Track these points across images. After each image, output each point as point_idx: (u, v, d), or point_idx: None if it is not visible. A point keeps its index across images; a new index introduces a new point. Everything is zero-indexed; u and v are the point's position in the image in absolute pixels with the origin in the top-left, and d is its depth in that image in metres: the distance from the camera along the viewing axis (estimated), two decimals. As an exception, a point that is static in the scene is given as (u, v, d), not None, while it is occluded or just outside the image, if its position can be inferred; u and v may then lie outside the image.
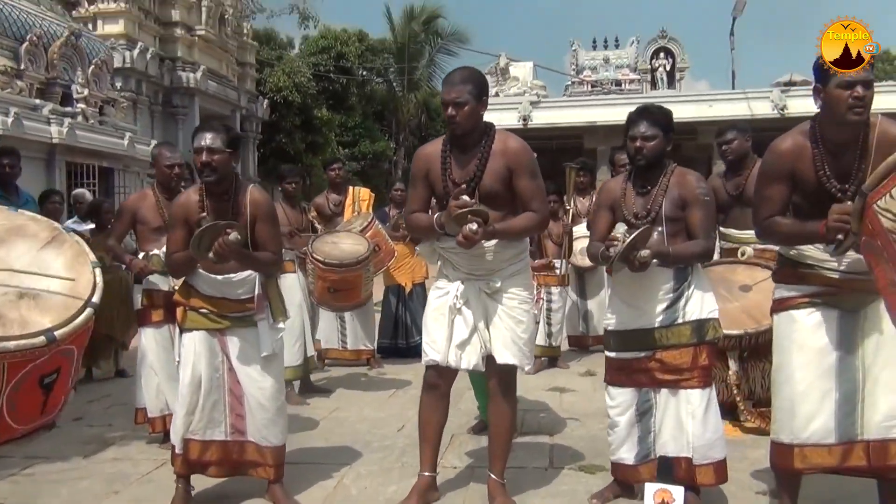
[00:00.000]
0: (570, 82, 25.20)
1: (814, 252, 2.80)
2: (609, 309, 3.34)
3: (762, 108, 15.53)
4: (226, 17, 18.99)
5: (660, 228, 3.17)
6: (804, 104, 14.34)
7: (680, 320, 3.14)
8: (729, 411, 4.47)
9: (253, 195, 3.30)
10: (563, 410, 4.98)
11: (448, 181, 3.21)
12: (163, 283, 4.20)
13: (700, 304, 3.16)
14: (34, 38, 10.36)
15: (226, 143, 3.21)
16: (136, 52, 15.35)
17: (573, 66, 27.03)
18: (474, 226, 2.98)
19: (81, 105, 11.06)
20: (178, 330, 3.50)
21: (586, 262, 6.49)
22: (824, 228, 2.57)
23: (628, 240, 2.94)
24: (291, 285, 5.58)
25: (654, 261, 3.01)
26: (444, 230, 3.14)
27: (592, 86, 23.73)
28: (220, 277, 3.29)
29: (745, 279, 4.87)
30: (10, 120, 9.19)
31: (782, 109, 15.30)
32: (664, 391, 3.16)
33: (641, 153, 3.20)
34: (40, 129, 9.91)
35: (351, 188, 6.87)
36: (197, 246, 3.02)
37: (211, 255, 3.04)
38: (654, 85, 18.96)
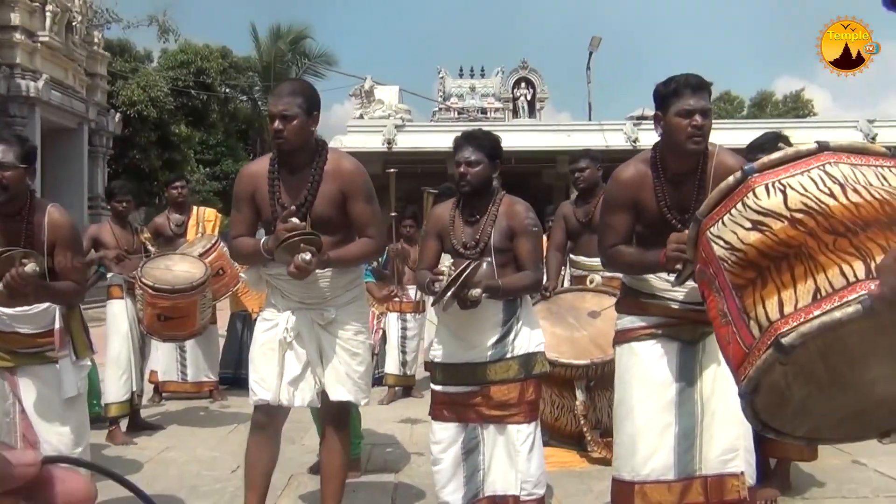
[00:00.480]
0: (437, 109, 25.50)
1: (655, 282, 2.77)
2: (436, 339, 3.20)
3: (616, 140, 16.19)
4: (73, 24, 17.79)
5: (489, 259, 3.09)
6: (655, 137, 15.08)
7: (508, 355, 3.06)
8: (576, 441, 4.43)
9: (52, 216, 2.89)
10: (412, 444, 4.78)
11: (276, 204, 2.95)
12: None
13: (528, 338, 3.09)
14: None
15: (19, 157, 2.80)
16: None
17: (440, 93, 27.43)
18: (307, 255, 2.74)
19: None
20: None
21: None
22: (664, 257, 2.53)
23: (458, 278, 2.82)
24: (118, 312, 5.12)
25: (485, 295, 2.89)
26: (272, 257, 2.88)
27: (459, 113, 24.08)
28: (10, 311, 2.86)
29: (593, 306, 4.88)
30: None
31: (635, 141, 16.00)
32: (491, 427, 3.05)
33: (465, 179, 3.14)
34: None
35: (196, 208, 6.42)
36: None
37: (1, 287, 2.62)
38: (515, 114, 19.41)
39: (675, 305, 2.74)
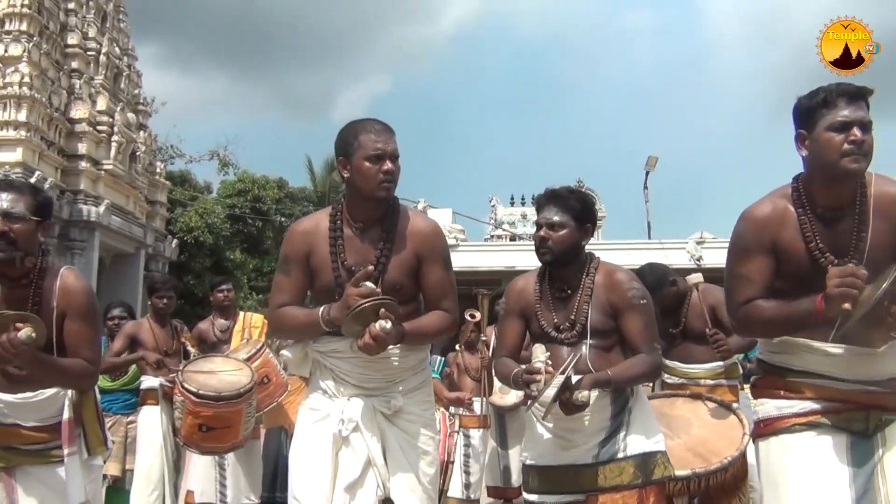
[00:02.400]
0: (489, 236, 25.51)
1: (809, 355, 2.12)
2: (527, 437, 2.62)
3: (679, 258, 15.59)
4: (137, 153, 18.44)
5: (588, 343, 2.57)
6: (719, 256, 14.89)
7: (620, 454, 2.48)
8: (682, 575, 3.68)
9: (66, 280, 2.45)
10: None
11: (341, 267, 2.46)
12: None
13: (644, 434, 2.53)
14: None
15: (31, 208, 2.40)
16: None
17: (492, 219, 27.58)
18: (388, 324, 2.23)
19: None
20: None
21: (507, 401, 5.76)
22: (821, 302, 1.93)
23: (557, 381, 2.33)
24: (152, 422, 4.66)
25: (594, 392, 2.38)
26: (332, 328, 2.38)
27: (511, 239, 23.97)
28: (10, 398, 2.38)
29: (685, 413, 4.24)
30: None
31: (699, 260, 15.41)
32: None
33: (546, 245, 2.65)
34: None
35: (242, 313, 6.05)
36: None
37: None
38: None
39: (839, 385, 2.08)
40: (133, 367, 4.75)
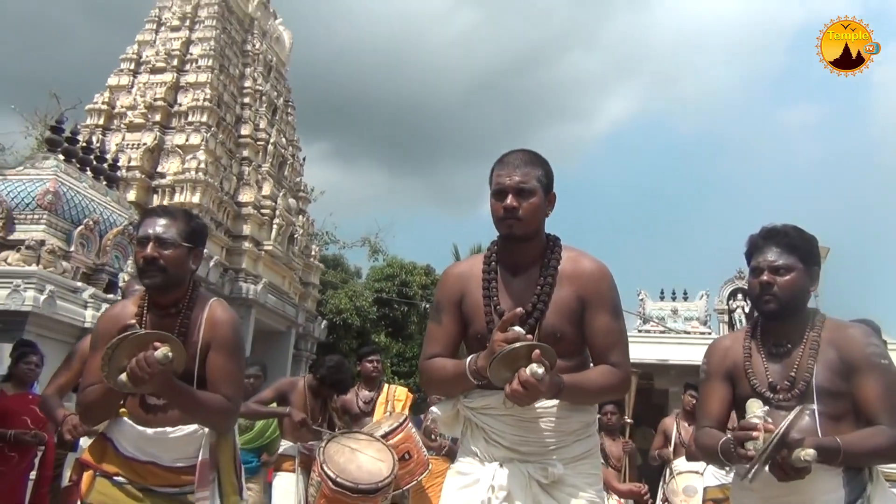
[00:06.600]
0: (637, 330, 24.57)
1: None
2: None
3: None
4: (295, 236, 19.35)
5: (812, 408, 2.09)
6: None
7: None
8: None
9: (213, 311, 2.34)
10: None
11: (494, 312, 2.18)
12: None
13: None
14: (90, 222, 10.28)
15: (183, 235, 2.33)
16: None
17: (640, 313, 26.49)
18: (540, 369, 1.91)
19: (126, 295, 10.67)
20: None
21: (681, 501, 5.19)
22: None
23: (779, 430, 1.87)
24: (287, 489, 4.46)
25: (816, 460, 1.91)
26: (480, 380, 2.09)
27: (661, 332, 22.89)
28: (149, 431, 2.25)
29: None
30: (42, 297, 8.75)
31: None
32: None
33: (770, 291, 2.22)
34: (74, 312, 9.44)
35: (386, 385, 5.86)
36: (108, 363, 2.03)
37: (124, 377, 2.03)
38: (731, 327, 17.89)
39: None
40: (258, 425, 4.61)
